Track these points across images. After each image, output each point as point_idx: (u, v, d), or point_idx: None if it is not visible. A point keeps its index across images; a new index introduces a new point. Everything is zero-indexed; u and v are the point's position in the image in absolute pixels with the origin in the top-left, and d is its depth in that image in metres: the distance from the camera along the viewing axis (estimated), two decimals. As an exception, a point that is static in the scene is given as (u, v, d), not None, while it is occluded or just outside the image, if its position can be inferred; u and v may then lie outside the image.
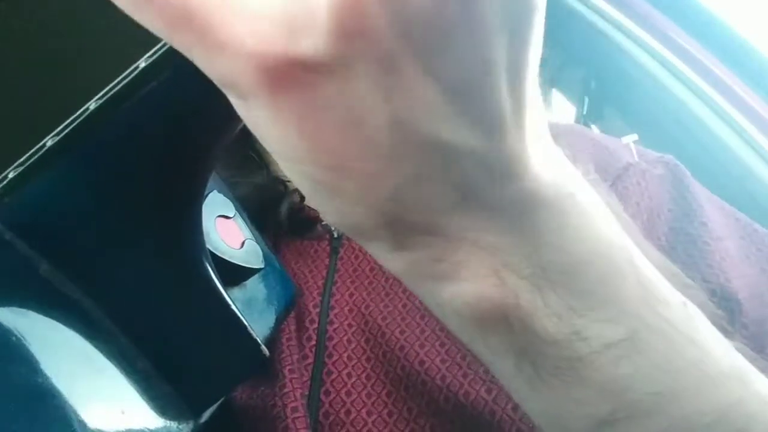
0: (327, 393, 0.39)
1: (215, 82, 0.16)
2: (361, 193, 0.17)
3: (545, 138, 0.19)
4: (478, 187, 0.17)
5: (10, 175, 0.24)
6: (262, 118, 0.16)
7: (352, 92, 0.15)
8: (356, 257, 0.46)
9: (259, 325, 0.33)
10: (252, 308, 0.34)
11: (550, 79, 1.07)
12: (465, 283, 0.19)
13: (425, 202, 0.17)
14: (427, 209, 0.18)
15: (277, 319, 0.36)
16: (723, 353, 0.21)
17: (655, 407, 0.19)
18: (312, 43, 0.15)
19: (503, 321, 0.19)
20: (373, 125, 0.16)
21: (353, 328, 0.41)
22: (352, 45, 0.15)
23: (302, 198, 0.49)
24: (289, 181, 0.49)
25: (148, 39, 0.21)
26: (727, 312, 0.39)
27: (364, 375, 0.39)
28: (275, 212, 0.46)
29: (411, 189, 0.17)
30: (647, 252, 0.21)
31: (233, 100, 0.17)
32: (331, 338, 0.41)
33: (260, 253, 0.36)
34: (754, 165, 0.79)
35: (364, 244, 0.20)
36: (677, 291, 0.21)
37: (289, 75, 0.15)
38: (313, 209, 0.48)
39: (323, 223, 0.48)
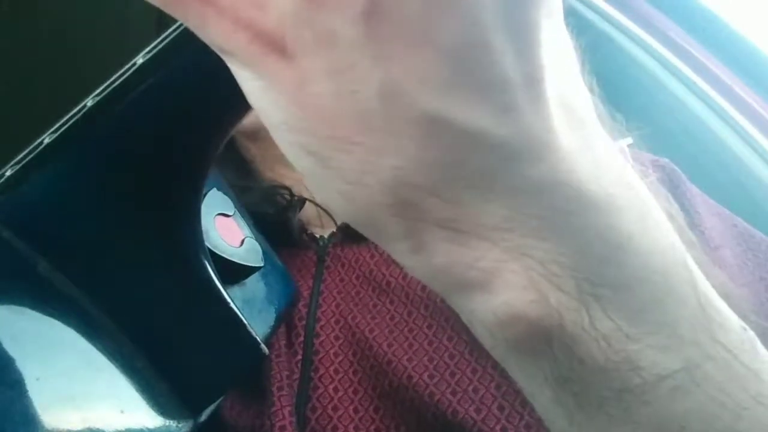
0: (314, 409, 0.38)
1: (214, 49, 0.16)
2: (361, 169, 0.15)
3: (588, 122, 0.17)
4: (495, 174, 0.15)
5: (8, 173, 0.24)
6: (258, 88, 0.16)
7: (337, 60, 0.15)
8: (343, 266, 0.45)
9: (258, 323, 0.33)
10: (251, 307, 0.34)
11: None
12: (499, 295, 0.16)
13: (435, 187, 0.15)
14: (439, 196, 0.16)
15: (276, 318, 0.36)
16: None
17: None
18: (289, 14, 0.14)
19: (543, 344, 0.16)
20: (363, 95, 0.15)
21: (340, 341, 0.40)
22: (323, 10, 0.14)
23: (286, 207, 0.48)
24: (279, 188, 0.49)
25: (146, 36, 0.21)
26: None
27: (351, 389, 0.38)
28: (262, 222, 0.46)
29: (417, 170, 0.15)
30: (708, 269, 0.19)
31: (232, 67, 0.16)
32: (317, 351, 0.40)
33: (260, 251, 0.36)
34: (754, 165, 0.79)
35: (382, 244, 0.18)
36: (737, 316, 0.19)
37: (278, 46, 0.15)
38: (300, 219, 0.47)
39: (309, 232, 0.48)
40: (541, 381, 0.17)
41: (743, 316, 0.19)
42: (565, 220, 0.16)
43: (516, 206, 0.16)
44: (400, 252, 0.17)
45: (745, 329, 0.18)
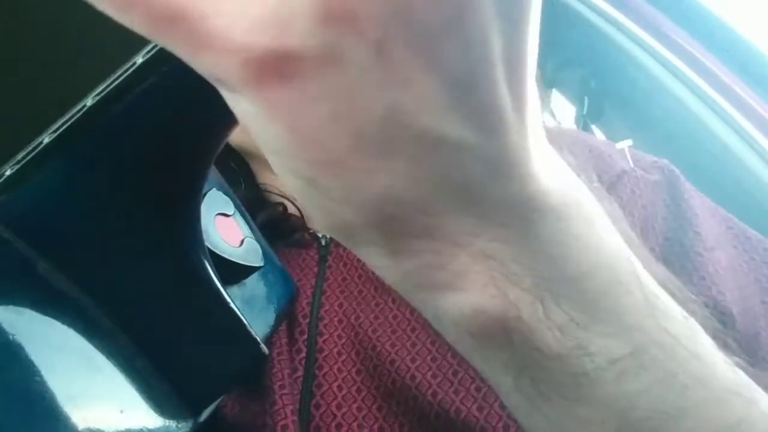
0: (317, 406, 0.38)
1: (205, 77, 0.16)
2: (350, 191, 0.16)
3: (544, 142, 0.19)
4: (477, 188, 0.17)
5: (7, 173, 0.24)
6: (251, 113, 0.16)
7: (341, 83, 0.15)
8: (345, 265, 0.45)
9: (258, 323, 0.33)
10: (251, 306, 0.34)
11: (550, 79, 1.06)
12: (464, 293, 0.18)
13: (420, 202, 0.17)
14: (422, 210, 0.17)
15: (277, 318, 0.36)
16: (727, 369, 0.20)
17: (661, 426, 0.18)
18: (298, 32, 0.14)
19: (503, 335, 0.18)
20: (364, 118, 0.15)
21: (343, 340, 0.41)
22: (339, 32, 0.14)
23: (285, 209, 0.48)
24: (271, 192, 0.49)
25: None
26: (721, 325, 0.38)
27: (354, 388, 0.39)
28: (262, 222, 0.46)
29: (404, 187, 0.16)
30: (649, 265, 0.20)
31: (224, 93, 0.16)
32: (321, 350, 0.40)
33: (260, 251, 0.36)
34: (754, 165, 0.79)
35: (356, 250, 0.19)
36: (678, 305, 0.20)
37: (276, 68, 0.15)
38: (298, 218, 0.48)
39: (311, 231, 0.48)
40: (502, 369, 0.19)
41: (684, 305, 0.21)
42: (527, 227, 0.18)
43: (486, 215, 0.17)
44: (372, 256, 0.18)
45: (686, 317, 0.20)
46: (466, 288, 0.18)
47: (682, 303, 0.21)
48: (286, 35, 0.14)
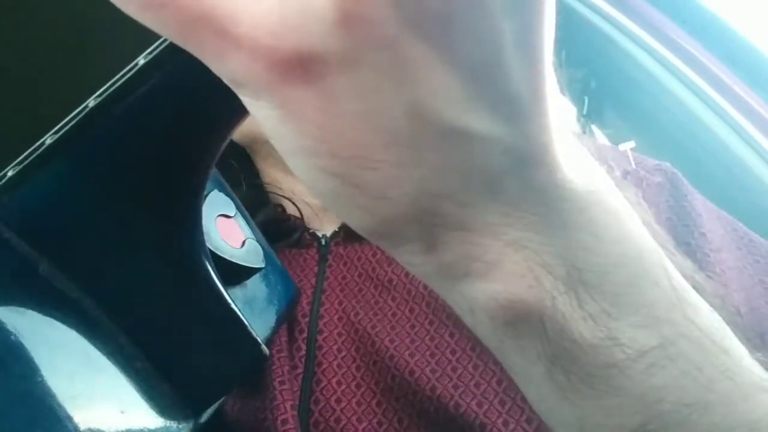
0: (317, 401, 0.38)
1: (227, 82, 0.16)
2: (386, 185, 0.17)
3: (568, 134, 0.19)
4: (505, 177, 0.17)
5: (9, 173, 0.24)
6: (275, 116, 0.16)
7: (364, 83, 0.15)
8: (345, 264, 0.45)
9: (259, 324, 0.33)
10: (252, 308, 0.34)
11: (550, 79, 1.06)
12: (499, 283, 0.18)
13: (454, 193, 0.17)
14: (456, 201, 0.17)
15: (277, 319, 0.36)
16: (752, 364, 0.20)
17: (687, 419, 0.18)
18: (317, 35, 0.15)
19: (538, 324, 0.18)
20: (390, 115, 0.16)
21: (343, 337, 0.41)
22: (357, 33, 0.15)
23: (284, 210, 0.49)
24: (271, 193, 0.49)
25: (147, 36, 0.21)
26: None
27: (354, 383, 0.39)
28: (263, 222, 0.46)
29: (438, 179, 0.17)
30: (673, 258, 0.20)
31: (245, 100, 0.17)
32: (320, 347, 0.41)
33: (261, 252, 0.36)
34: (754, 165, 0.79)
35: (393, 249, 0.19)
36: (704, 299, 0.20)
37: (300, 70, 0.15)
38: (298, 218, 0.48)
39: (310, 230, 0.48)
40: (535, 359, 0.19)
41: (709, 294, 0.21)
42: (556, 216, 0.18)
43: (517, 204, 0.17)
44: (409, 253, 0.18)
45: (712, 311, 0.20)
46: (502, 278, 0.18)
47: (709, 295, 0.21)
48: (306, 38, 0.15)
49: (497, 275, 0.18)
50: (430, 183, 0.17)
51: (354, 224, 0.18)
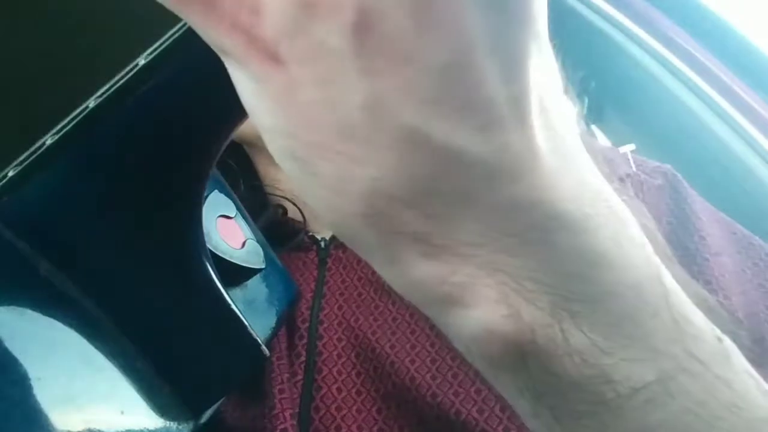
0: (317, 409, 0.38)
1: (214, 48, 0.17)
2: (341, 177, 0.16)
3: (569, 139, 0.17)
4: (474, 191, 0.16)
5: (10, 174, 0.24)
6: (250, 90, 0.16)
7: (325, 69, 0.15)
8: (344, 268, 0.45)
9: (259, 325, 0.33)
10: (253, 308, 0.34)
11: (550, 79, 1.06)
12: (472, 310, 0.16)
13: (412, 201, 0.16)
14: (418, 210, 0.16)
15: (278, 320, 0.36)
16: (759, 395, 0.18)
17: None
18: (279, 18, 0.15)
19: (518, 360, 0.17)
20: (348, 106, 0.15)
21: (343, 342, 0.41)
22: (316, 17, 0.14)
23: (285, 211, 0.48)
24: (271, 194, 0.49)
25: (147, 36, 0.21)
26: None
27: (354, 390, 0.38)
28: (263, 223, 0.45)
29: (393, 183, 0.15)
30: (676, 275, 0.19)
31: (229, 67, 0.17)
32: (320, 353, 0.40)
33: (261, 253, 0.36)
34: (754, 165, 0.79)
35: (360, 253, 0.18)
36: (710, 322, 0.19)
37: (273, 49, 0.15)
38: (297, 221, 0.48)
39: (310, 233, 0.48)
40: (518, 395, 0.18)
41: (723, 325, 0.19)
42: (540, 237, 0.16)
43: (491, 222, 0.16)
44: (378, 263, 0.17)
45: (720, 340, 0.18)
46: (475, 304, 0.16)
47: (707, 314, 0.19)
48: (279, 19, 0.15)
49: (469, 301, 0.16)
50: (386, 185, 0.15)
51: (318, 214, 0.17)
